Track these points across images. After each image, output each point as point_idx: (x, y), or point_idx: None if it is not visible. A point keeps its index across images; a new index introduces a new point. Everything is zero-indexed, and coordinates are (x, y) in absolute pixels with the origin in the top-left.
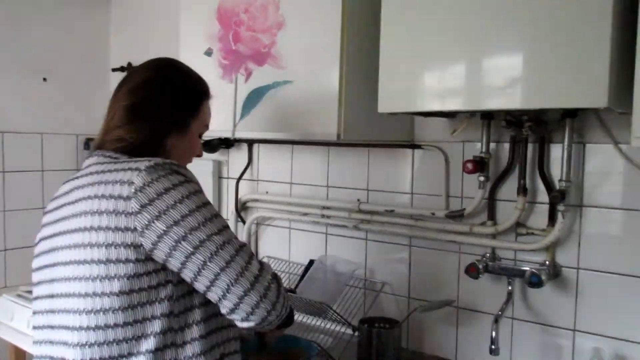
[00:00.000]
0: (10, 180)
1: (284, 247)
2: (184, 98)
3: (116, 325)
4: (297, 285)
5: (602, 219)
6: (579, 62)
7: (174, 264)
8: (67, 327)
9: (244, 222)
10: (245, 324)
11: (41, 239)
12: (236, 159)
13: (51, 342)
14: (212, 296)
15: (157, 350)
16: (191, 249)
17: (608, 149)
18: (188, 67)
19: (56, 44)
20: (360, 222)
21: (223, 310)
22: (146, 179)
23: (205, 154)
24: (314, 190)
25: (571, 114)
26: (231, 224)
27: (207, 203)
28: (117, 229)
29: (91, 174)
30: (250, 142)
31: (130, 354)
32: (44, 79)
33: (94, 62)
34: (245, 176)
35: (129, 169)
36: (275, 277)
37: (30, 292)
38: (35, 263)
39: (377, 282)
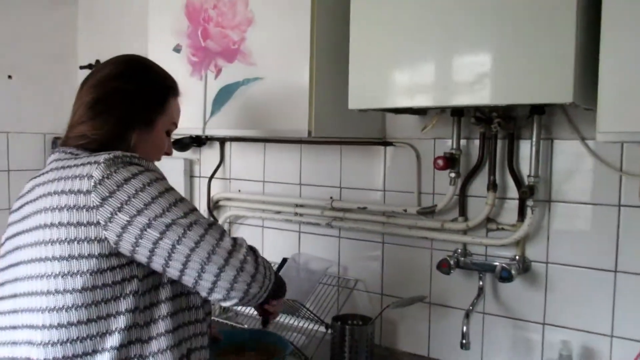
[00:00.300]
0: None
1: (257, 245)
2: (149, 93)
3: (80, 322)
4: None
5: (569, 214)
6: (545, 59)
7: (142, 254)
8: (31, 326)
9: (216, 220)
10: (228, 303)
11: (6, 239)
12: (208, 157)
13: (14, 343)
14: (188, 280)
15: (122, 347)
16: (157, 235)
17: (575, 144)
18: (155, 64)
19: (22, 41)
20: (333, 219)
21: (202, 294)
22: (105, 172)
23: (176, 153)
24: (286, 188)
25: (539, 111)
26: None
27: (169, 189)
28: (79, 224)
29: (52, 170)
30: (222, 140)
31: (94, 351)
32: (9, 77)
33: (62, 60)
34: (218, 175)
35: (88, 163)
36: (252, 249)
37: None
38: (0, 264)
39: (350, 279)
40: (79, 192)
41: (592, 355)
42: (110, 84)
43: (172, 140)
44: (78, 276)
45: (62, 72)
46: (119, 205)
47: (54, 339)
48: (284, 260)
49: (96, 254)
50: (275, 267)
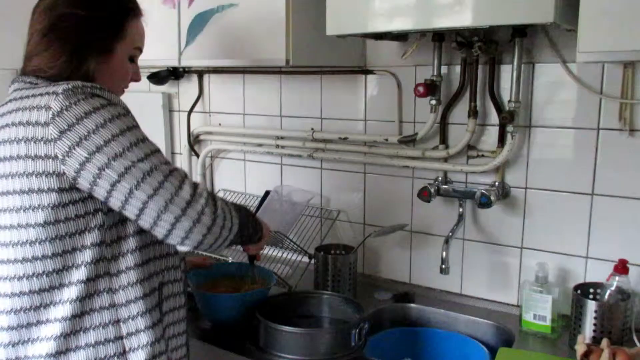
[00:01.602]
0: None
1: (240, 179)
2: (104, 18)
3: (44, 256)
4: None
5: (550, 139)
6: None
7: (99, 193)
8: None
9: (197, 155)
10: (182, 248)
11: None
12: (187, 90)
13: None
14: (143, 224)
15: (89, 280)
16: (116, 177)
17: (556, 68)
18: None
19: None
20: (315, 151)
21: (158, 237)
22: (64, 103)
23: (154, 87)
24: (267, 120)
25: (521, 33)
26: (184, 157)
27: (132, 127)
28: (36, 157)
29: (11, 101)
30: (200, 73)
31: (61, 285)
32: None
33: None
34: (197, 108)
35: (46, 93)
36: (213, 199)
37: None
38: None
39: (332, 210)
40: (37, 123)
41: (567, 276)
42: (61, 9)
43: (140, 68)
44: (39, 210)
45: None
46: (78, 140)
47: (19, 273)
48: (267, 193)
49: (56, 187)
50: (258, 200)
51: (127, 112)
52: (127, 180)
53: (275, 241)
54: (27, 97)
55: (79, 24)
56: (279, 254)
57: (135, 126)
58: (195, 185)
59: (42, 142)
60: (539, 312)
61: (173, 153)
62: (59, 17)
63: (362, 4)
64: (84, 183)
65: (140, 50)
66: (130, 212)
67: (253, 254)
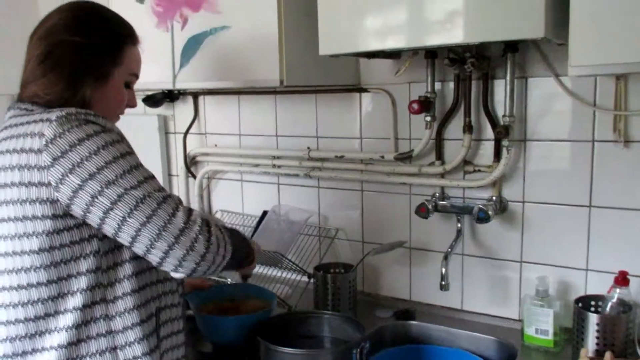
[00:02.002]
0: None
1: (237, 199)
2: (100, 45)
3: (39, 283)
4: (251, 237)
5: (545, 152)
6: None
7: (93, 220)
8: None
9: (194, 177)
10: (176, 275)
11: None
12: (182, 112)
13: None
14: (138, 251)
15: (85, 307)
16: (109, 205)
17: (549, 82)
18: (107, 10)
19: None
20: (312, 169)
21: (152, 263)
22: (57, 130)
23: (149, 109)
24: (263, 140)
25: (512, 48)
26: (181, 179)
27: (125, 153)
28: (30, 184)
29: (6, 128)
30: (195, 95)
31: (57, 312)
32: None
33: (24, 17)
34: (193, 130)
35: (40, 120)
36: (206, 225)
37: None
38: None
39: (331, 228)
40: (30, 150)
41: (568, 289)
42: (59, 36)
43: (135, 92)
44: (34, 237)
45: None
46: (71, 167)
47: (14, 301)
48: (264, 213)
49: (50, 214)
50: (255, 221)
51: (121, 139)
52: (120, 208)
53: (274, 261)
54: (22, 124)
55: (75, 50)
56: (278, 274)
57: (129, 153)
58: (189, 212)
59: (35, 169)
60: (541, 326)
61: (170, 175)
62: (56, 44)
63: (354, 23)
64: (77, 210)
65: (136, 76)
66: (123, 239)
67: (246, 274)
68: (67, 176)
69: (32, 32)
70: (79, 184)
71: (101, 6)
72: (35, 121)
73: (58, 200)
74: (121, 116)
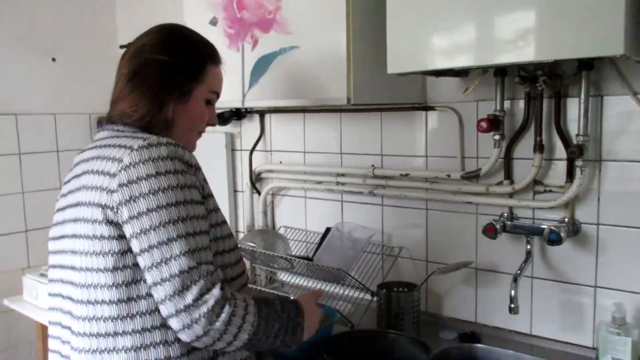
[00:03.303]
0: (27, 162)
1: (300, 216)
2: (184, 64)
3: (103, 301)
4: (314, 254)
5: (621, 173)
6: (593, 9)
7: (134, 249)
8: (71, 299)
9: (259, 193)
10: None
11: (57, 210)
12: (248, 130)
13: (62, 310)
14: (154, 294)
15: (145, 331)
16: (146, 246)
17: (626, 100)
18: (192, 32)
19: (63, 24)
20: (376, 187)
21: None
22: (134, 159)
23: (217, 127)
24: (327, 158)
25: (587, 66)
26: (246, 195)
27: (184, 202)
28: (98, 205)
29: (95, 147)
30: (262, 113)
31: (116, 333)
32: (53, 59)
33: (102, 40)
34: (259, 147)
35: (124, 146)
36: (221, 308)
37: None
38: (51, 232)
39: (394, 247)
40: (107, 173)
41: None
42: (146, 55)
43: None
44: (101, 256)
45: (103, 52)
46: (128, 198)
47: (83, 314)
48: (328, 230)
49: (116, 235)
50: (318, 237)
51: (189, 185)
52: (152, 255)
53: (336, 278)
54: (110, 146)
55: (161, 69)
56: (341, 291)
57: (187, 202)
58: (206, 290)
59: (105, 192)
60: (618, 355)
61: (235, 191)
62: (144, 63)
63: (423, 41)
64: (126, 236)
65: (217, 95)
66: (149, 278)
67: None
68: (123, 205)
69: (123, 52)
70: (128, 217)
71: (187, 28)
72: (120, 145)
73: (119, 222)
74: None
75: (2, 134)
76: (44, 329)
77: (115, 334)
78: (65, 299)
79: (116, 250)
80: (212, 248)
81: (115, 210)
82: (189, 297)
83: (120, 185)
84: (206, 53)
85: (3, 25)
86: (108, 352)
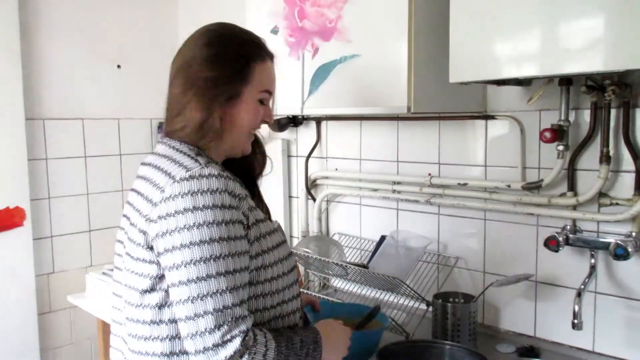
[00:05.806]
0: (92, 164)
1: (355, 223)
2: (228, 66)
3: (135, 320)
4: (369, 261)
5: None
6: None
7: (167, 280)
8: (117, 308)
9: (314, 199)
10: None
11: (123, 215)
12: (305, 137)
13: (119, 322)
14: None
15: (172, 354)
16: (176, 280)
17: None
18: (235, 31)
19: (128, 33)
20: (432, 196)
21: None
22: (174, 192)
23: (274, 133)
24: (383, 165)
25: None
26: (301, 201)
27: (218, 239)
28: (141, 230)
29: (150, 165)
30: (319, 120)
31: (146, 353)
32: (118, 66)
33: (164, 48)
34: (315, 154)
35: (168, 174)
36: (240, 355)
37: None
38: (117, 235)
39: (450, 257)
40: (150, 201)
41: None
42: (193, 71)
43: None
44: (140, 277)
45: (164, 59)
46: (165, 231)
47: (122, 332)
48: (382, 238)
49: (155, 260)
50: (373, 245)
51: (228, 221)
52: (182, 290)
53: (391, 286)
54: (158, 168)
55: (210, 82)
56: (395, 300)
57: (224, 239)
58: (229, 332)
59: (146, 219)
60: None
61: (290, 197)
62: (192, 80)
63: (486, 50)
64: (162, 265)
65: (269, 93)
66: (174, 310)
67: None
68: (159, 237)
69: (174, 59)
70: (164, 248)
71: (229, 28)
72: (166, 172)
73: (155, 248)
74: None
75: (70, 137)
76: (104, 325)
77: (147, 353)
78: (121, 309)
79: (154, 274)
80: (254, 278)
81: (152, 238)
82: (209, 340)
83: (160, 217)
84: (249, 52)
85: (73, 35)
86: None
